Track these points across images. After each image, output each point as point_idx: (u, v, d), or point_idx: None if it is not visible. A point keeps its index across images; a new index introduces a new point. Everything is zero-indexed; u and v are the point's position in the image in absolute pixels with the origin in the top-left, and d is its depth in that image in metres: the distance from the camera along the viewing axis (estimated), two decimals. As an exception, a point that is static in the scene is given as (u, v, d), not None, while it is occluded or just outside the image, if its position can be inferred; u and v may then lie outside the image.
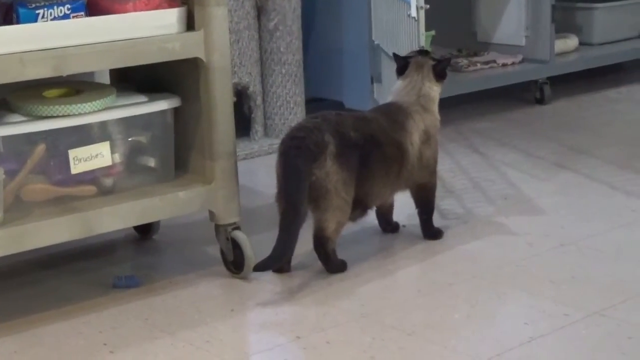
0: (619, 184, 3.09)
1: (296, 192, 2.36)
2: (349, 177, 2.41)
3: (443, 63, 2.66)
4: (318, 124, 2.42)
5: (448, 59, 2.70)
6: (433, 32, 3.95)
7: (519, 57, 4.24)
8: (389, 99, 2.68)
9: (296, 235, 2.35)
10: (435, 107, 2.64)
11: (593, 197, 3.00)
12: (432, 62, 2.65)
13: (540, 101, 4.22)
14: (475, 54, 4.33)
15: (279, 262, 2.35)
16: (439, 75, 2.64)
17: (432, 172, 2.63)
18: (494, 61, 4.20)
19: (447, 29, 4.29)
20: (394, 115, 2.58)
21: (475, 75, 4.05)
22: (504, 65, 4.19)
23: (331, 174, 2.38)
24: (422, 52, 2.74)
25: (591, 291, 2.32)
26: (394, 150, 2.51)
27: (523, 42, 4.26)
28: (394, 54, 2.73)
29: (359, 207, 2.51)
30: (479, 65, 4.15)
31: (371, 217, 2.66)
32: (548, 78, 4.23)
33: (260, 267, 2.34)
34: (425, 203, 2.66)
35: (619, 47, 4.58)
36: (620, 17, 4.63)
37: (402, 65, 2.66)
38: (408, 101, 2.62)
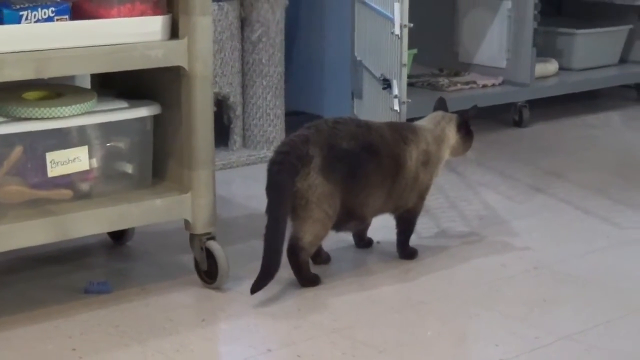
0: (593, 209, 3.11)
1: (277, 208, 2.36)
2: (335, 190, 2.41)
3: (468, 111, 2.72)
4: (305, 137, 2.41)
5: (473, 109, 2.74)
6: (415, 51, 3.97)
7: (500, 79, 4.26)
8: None
9: (280, 250, 2.35)
10: (444, 149, 2.66)
11: (567, 221, 3.01)
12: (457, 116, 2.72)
13: (519, 124, 4.24)
14: (456, 74, 4.36)
15: (269, 278, 2.35)
16: (463, 124, 2.70)
17: (421, 198, 2.63)
18: (475, 82, 4.22)
19: (429, 48, 4.31)
20: (401, 129, 2.61)
21: (455, 95, 4.06)
22: (484, 86, 4.21)
23: (314, 186, 2.38)
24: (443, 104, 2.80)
25: (562, 315, 2.33)
26: (391, 162, 2.51)
27: (504, 64, 4.28)
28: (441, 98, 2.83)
29: (354, 218, 2.52)
30: (459, 85, 4.17)
31: (345, 233, 2.66)
32: (527, 101, 4.25)
33: (255, 288, 2.35)
34: (406, 226, 2.67)
35: (599, 74, 4.60)
36: (600, 43, 4.66)
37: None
38: (423, 125, 2.67)
